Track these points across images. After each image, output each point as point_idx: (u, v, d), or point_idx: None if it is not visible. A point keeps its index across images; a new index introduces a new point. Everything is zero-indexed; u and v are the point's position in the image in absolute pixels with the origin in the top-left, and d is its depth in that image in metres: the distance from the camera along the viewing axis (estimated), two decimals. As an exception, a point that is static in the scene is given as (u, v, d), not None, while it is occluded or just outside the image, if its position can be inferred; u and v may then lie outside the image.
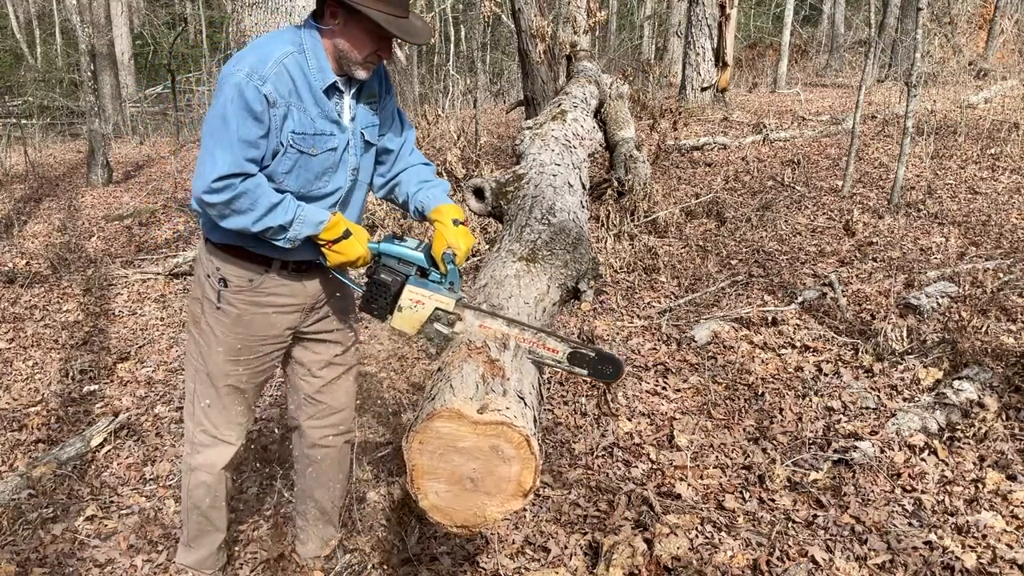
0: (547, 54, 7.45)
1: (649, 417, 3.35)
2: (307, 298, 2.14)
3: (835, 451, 2.98)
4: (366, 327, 4.42)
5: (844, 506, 2.68)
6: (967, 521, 2.56)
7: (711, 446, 3.11)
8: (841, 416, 3.25)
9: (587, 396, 3.46)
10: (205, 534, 2.36)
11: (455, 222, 2.01)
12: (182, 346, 4.41)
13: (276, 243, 1.93)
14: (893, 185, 5.81)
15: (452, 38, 15.29)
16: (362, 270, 2.08)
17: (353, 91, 2.02)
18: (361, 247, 1.98)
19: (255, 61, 1.86)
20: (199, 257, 2.15)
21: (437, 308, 1.91)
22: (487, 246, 5.17)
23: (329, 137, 1.97)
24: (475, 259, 4.93)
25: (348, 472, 2.50)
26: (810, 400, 3.39)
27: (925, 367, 3.49)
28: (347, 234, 1.96)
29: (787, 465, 2.91)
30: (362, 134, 2.07)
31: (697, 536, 2.56)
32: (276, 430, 3.43)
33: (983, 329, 3.73)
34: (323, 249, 1.98)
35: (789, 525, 2.61)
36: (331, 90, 1.96)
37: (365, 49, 1.92)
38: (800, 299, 4.35)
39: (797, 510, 2.69)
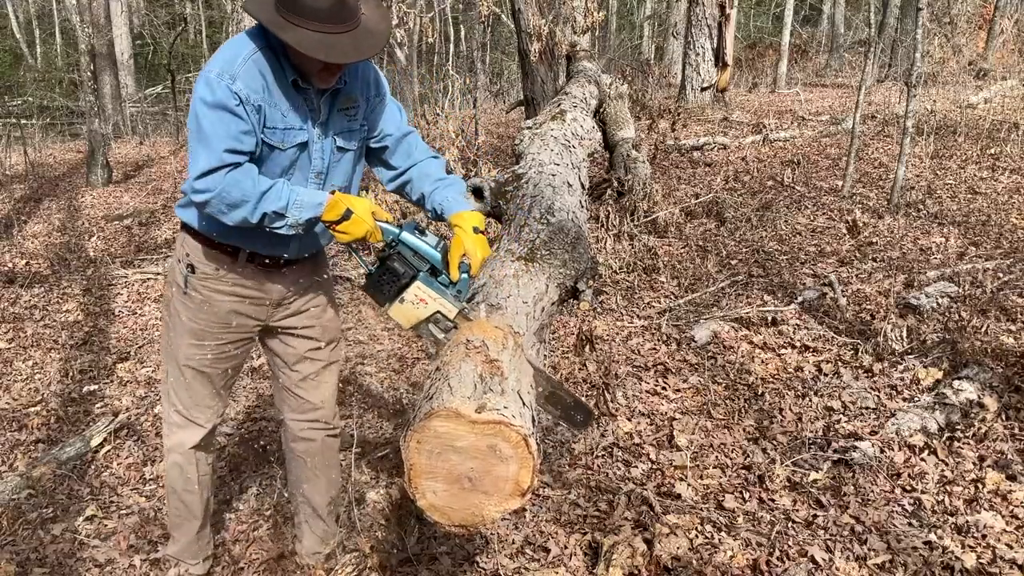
0: (546, 54, 7.44)
1: (649, 417, 3.35)
2: (273, 293, 2.16)
3: (835, 451, 2.98)
4: (365, 327, 4.42)
5: (844, 506, 2.68)
6: (967, 521, 2.56)
7: (711, 446, 3.11)
8: (841, 416, 3.25)
9: (586, 396, 3.46)
10: (183, 521, 2.40)
11: (475, 229, 2.00)
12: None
13: (279, 231, 1.91)
14: (893, 185, 5.80)
15: (452, 38, 15.28)
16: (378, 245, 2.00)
17: (326, 95, 1.99)
18: (367, 223, 1.92)
19: (224, 61, 1.86)
20: (176, 240, 2.19)
21: (438, 312, 1.91)
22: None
23: (299, 132, 1.96)
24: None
25: (336, 468, 2.50)
26: (810, 400, 3.38)
27: (925, 367, 3.48)
28: (348, 214, 1.91)
29: (787, 465, 2.91)
30: (335, 139, 2.05)
31: (697, 536, 2.55)
32: (276, 430, 3.43)
33: (983, 329, 3.73)
34: (329, 229, 1.95)
35: (789, 525, 2.61)
36: (299, 85, 1.93)
37: (310, 65, 1.87)
38: (800, 299, 4.35)
39: (797, 510, 2.69)
